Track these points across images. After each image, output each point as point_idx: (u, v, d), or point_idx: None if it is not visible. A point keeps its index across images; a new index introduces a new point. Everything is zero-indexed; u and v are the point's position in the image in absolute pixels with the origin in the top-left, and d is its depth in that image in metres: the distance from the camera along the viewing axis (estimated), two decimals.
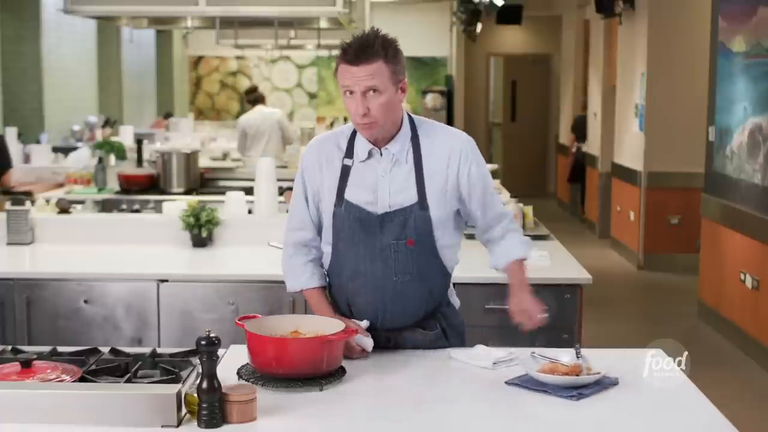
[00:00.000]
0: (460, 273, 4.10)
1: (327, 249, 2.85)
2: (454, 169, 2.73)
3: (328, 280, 2.88)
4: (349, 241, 2.75)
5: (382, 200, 2.72)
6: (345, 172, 2.74)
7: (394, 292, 2.75)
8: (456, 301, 2.95)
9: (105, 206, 6.26)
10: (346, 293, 2.82)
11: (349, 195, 2.73)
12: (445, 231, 2.77)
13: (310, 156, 2.82)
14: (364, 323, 2.78)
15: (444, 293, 2.89)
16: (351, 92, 2.61)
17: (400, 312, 2.79)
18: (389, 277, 2.74)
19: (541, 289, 3.98)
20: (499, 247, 2.89)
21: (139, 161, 7.45)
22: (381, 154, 2.73)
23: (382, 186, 2.72)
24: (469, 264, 4.40)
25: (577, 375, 2.53)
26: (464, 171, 2.74)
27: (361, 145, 2.74)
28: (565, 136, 13.52)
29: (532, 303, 2.83)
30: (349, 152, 2.75)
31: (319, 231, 2.86)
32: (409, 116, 2.78)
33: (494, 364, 2.70)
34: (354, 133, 2.77)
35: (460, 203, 2.78)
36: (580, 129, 12.24)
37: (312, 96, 15.65)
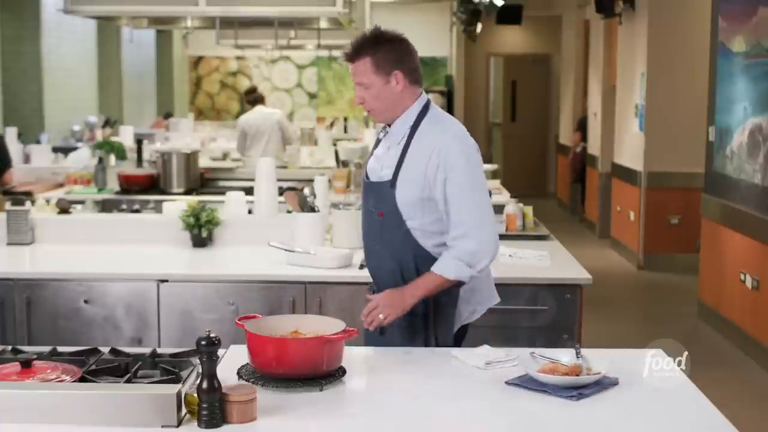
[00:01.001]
0: None
1: None
2: (433, 163, 2.90)
3: None
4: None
5: (374, 172, 3.04)
6: (376, 144, 3.13)
7: (370, 254, 3.09)
8: (466, 298, 3.02)
9: (105, 206, 6.27)
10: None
11: (369, 162, 3.11)
12: (415, 214, 2.95)
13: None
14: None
15: (419, 273, 2.96)
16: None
17: (378, 276, 3.07)
18: (367, 239, 3.10)
19: (541, 289, 4.02)
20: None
21: (139, 161, 7.46)
22: (387, 135, 3.04)
23: (378, 161, 3.05)
24: None
25: (577, 375, 2.53)
26: (442, 169, 2.89)
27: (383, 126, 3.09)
28: (565, 136, 13.52)
29: (382, 302, 2.90)
30: (384, 128, 3.07)
31: None
32: (426, 105, 2.99)
33: (487, 363, 2.71)
34: None
35: (436, 194, 2.92)
36: (586, 128, 12.23)
37: (312, 96, 15.65)
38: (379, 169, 3.00)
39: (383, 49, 2.88)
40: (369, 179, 3.05)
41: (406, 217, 2.93)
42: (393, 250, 2.97)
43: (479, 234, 2.89)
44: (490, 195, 3.22)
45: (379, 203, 2.98)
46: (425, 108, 2.97)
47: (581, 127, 12.42)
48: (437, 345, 2.98)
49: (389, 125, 3.00)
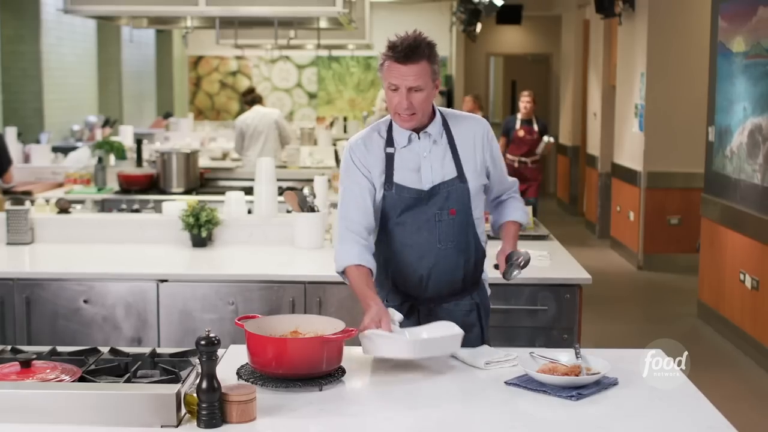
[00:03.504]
0: None
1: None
2: (480, 149, 3.03)
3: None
4: (396, 219, 3.00)
5: (425, 177, 2.98)
6: (389, 159, 2.99)
7: (437, 259, 2.99)
8: (487, 287, 3.18)
9: (105, 206, 6.28)
10: (391, 267, 3.04)
11: (397, 178, 2.98)
12: (477, 203, 3.05)
13: (360, 149, 3.02)
14: (398, 316, 2.77)
15: (479, 268, 3.09)
16: (396, 88, 2.89)
17: (440, 279, 3.01)
18: (433, 245, 2.99)
19: (541, 289, 4.02)
20: (502, 208, 3.22)
21: (139, 161, 7.46)
22: (419, 138, 2.99)
23: (425, 165, 2.98)
24: None
25: (577, 375, 2.53)
26: (488, 150, 3.05)
27: (400, 134, 3.00)
28: (565, 136, 13.52)
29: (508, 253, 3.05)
30: (390, 141, 3.01)
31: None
32: (434, 105, 3.05)
33: (486, 363, 2.71)
34: (390, 125, 3.03)
35: (486, 178, 3.09)
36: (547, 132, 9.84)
37: (312, 96, 15.64)
38: (429, 172, 2.96)
39: (436, 55, 2.95)
40: (419, 188, 2.96)
41: (473, 207, 3.02)
42: (462, 245, 3.01)
43: None
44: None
45: (448, 202, 2.97)
46: (435, 106, 3.06)
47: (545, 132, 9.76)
48: (484, 335, 3.10)
49: (416, 131, 2.97)
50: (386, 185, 2.97)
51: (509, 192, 3.22)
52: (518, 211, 3.20)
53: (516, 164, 9.58)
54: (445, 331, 2.75)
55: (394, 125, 3.00)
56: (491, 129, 3.10)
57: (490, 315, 3.17)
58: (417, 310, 3.03)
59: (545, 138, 9.54)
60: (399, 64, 2.85)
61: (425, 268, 2.99)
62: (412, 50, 2.85)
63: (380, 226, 3.02)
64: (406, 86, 2.86)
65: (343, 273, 2.94)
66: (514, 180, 3.24)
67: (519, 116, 9.82)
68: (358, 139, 3.05)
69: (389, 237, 3.01)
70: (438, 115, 3.01)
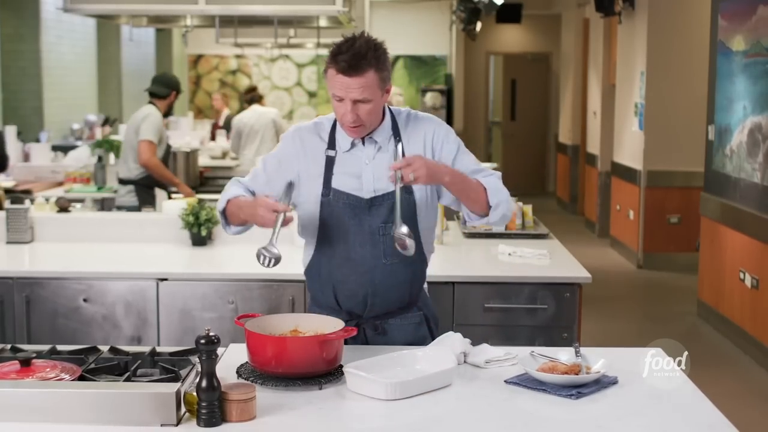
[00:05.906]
0: (459, 272, 4.12)
1: (309, 249, 2.91)
2: (430, 152, 2.81)
3: (311, 274, 2.91)
4: (338, 229, 2.80)
5: (366, 186, 2.78)
6: (329, 162, 2.80)
7: (383, 275, 2.79)
8: (427, 292, 2.98)
9: (104, 205, 6.28)
10: (333, 282, 2.85)
11: (336, 183, 2.79)
12: (427, 213, 2.84)
13: (293, 145, 2.86)
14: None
15: (423, 279, 2.92)
16: (341, 99, 2.68)
17: (386, 296, 2.83)
18: (378, 259, 2.79)
19: (541, 288, 4.02)
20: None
21: None
22: (363, 144, 2.80)
23: (366, 173, 2.78)
24: (469, 263, 4.41)
25: (576, 374, 2.53)
26: (440, 152, 2.82)
27: (344, 137, 2.80)
28: (565, 135, 13.52)
29: (418, 161, 2.62)
30: (332, 144, 2.82)
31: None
32: (389, 108, 2.86)
33: (486, 362, 2.71)
34: (335, 125, 2.83)
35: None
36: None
37: (311, 95, 15.64)
38: (371, 181, 2.76)
39: (384, 60, 2.66)
40: (359, 196, 2.76)
41: (420, 219, 2.80)
42: (409, 259, 2.76)
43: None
44: None
45: (393, 214, 2.71)
46: (389, 108, 2.85)
47: None
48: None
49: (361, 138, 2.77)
50: (324, 191, 2.77)
51: (485, 173, 2.85)
52: (489, 180, 2.82)
53: None
54: (437, 364, 2.55)
55: (338, 127, 2.80)
56: (448, 128, 2.84)
57: (439, 322, 2.99)
58: (363, 329, 2.84)
59: None
60: (342, 75, 2.62)
61: (370, 284, 2.78)
62: (356, 60, 2.59)
63: (322, 237, 2.82)
64: (351, 99, 2.63)
65: (223, 212, 2.95)
66: (491, 170, 2.88)
67: None
68: (296, 132, 2.88)
69: (332, 248, 2.81)
70: (388, 119, 2.79)
